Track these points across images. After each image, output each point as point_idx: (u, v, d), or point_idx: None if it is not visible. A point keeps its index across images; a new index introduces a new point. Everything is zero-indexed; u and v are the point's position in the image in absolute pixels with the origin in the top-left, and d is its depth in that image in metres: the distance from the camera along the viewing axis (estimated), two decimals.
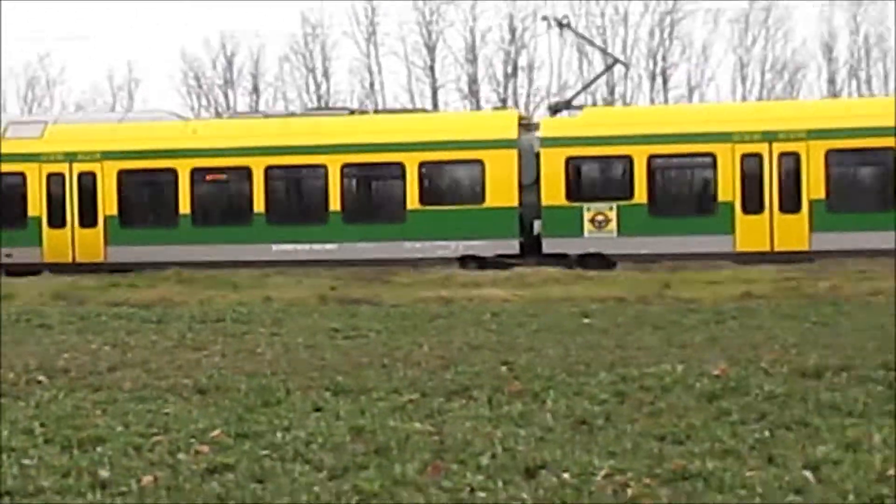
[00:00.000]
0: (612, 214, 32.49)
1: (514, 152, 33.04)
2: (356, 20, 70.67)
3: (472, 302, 24.09)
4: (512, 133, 33.47)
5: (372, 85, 70.02)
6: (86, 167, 34.92)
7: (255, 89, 71.73)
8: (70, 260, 34.82)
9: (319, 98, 69.70)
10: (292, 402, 11.96)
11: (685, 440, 9.74)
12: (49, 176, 35.13)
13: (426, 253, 32.94)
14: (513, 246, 32.88)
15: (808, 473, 8.45)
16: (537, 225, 33.17)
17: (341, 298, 25.17)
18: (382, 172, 34.31)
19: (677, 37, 67.25)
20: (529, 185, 32.96)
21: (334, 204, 33.86)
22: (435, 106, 66.93)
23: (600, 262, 31.86)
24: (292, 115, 38.38)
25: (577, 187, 32.97)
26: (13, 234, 35.03)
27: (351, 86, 72.68)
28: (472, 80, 68.73)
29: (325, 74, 71.24)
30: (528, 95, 66.53)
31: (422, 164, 33.45)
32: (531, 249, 32.87)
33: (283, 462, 9.18)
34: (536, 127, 34.45)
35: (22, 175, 35.20)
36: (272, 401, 11.99)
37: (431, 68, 69.12)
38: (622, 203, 32.51)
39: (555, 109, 36.34)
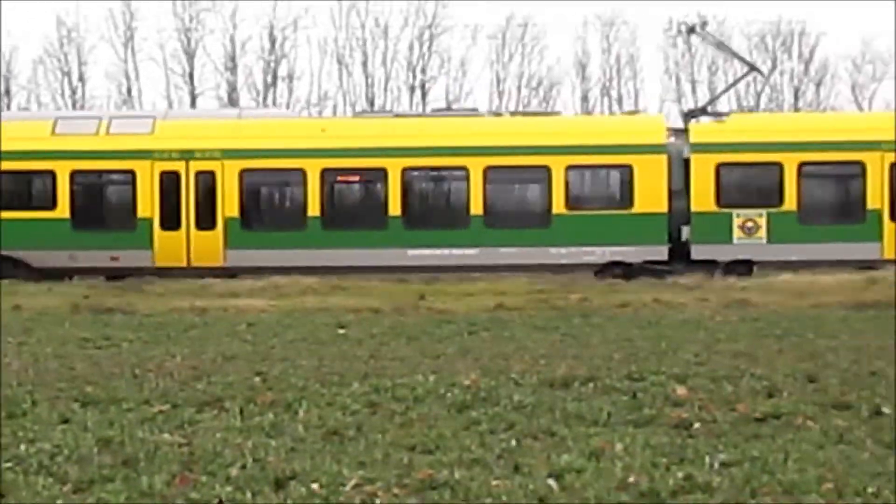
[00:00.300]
0: (762, 221, 32.67)
1: (664, 157, 32.90)
2: (113, 24, 69.30)
3: (227, 312, 23.90)
4: (661, 138, 33.36)
5: (129, 91, 68.86)
6: (204, 165, 33.05)
7: (7, 92, 69.68)
8: (185, 264, 32.92)
9: (75, 103, 68.09)
10: (38, 413, 11.66)
11: (434, 450, 9.85)
12: (162, 174, 33.10)
13: (572, 259, 32.53)
14: (661, 252, 32.70)
15: (552, 482, 8.64)
16: (685, 231, 33.02)
17: (94, 307, 24.67)
18: (526, 176, 33.57)
19: (436, 51, 67.98)
20: (677, 190, 32.88)
21: (475, 207, 33.09)
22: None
23: (745, 268, 32.08)
24: (423, 115, 36.97)
25: (727, 193, 32.90)
26: (119, 237, 33.07)
27: (108, 91, 71.29)
28: (232, 89, 68.24)
29: (81, 78, 69.62)
30: (288, 105, 66.30)
31: (568, 168, 32.95)
32: (678, 256, 32.75)
33: (26, 475, 8.93)
34: (680, 132, 34.14)
35: (130, 173, 33.15)
36: (17, 412, 11.66)
37: (191, 75, 68.37)
38: (772, 210, 32.66)
39: (690, 115, 36.19)
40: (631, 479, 8.64)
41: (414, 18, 67.76)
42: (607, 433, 10.47)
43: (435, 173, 33.66)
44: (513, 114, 38.91)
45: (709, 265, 32.20)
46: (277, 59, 67.98)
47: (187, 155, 33.06)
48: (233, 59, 68.04)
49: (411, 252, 32.61)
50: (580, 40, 71.54)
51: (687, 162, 33.01)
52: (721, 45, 40.52)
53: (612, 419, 11.14)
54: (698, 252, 32.74)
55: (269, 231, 33.51)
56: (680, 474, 8.74)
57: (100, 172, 33.57)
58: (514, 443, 10.09)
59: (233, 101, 66.62)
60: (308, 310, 24.28)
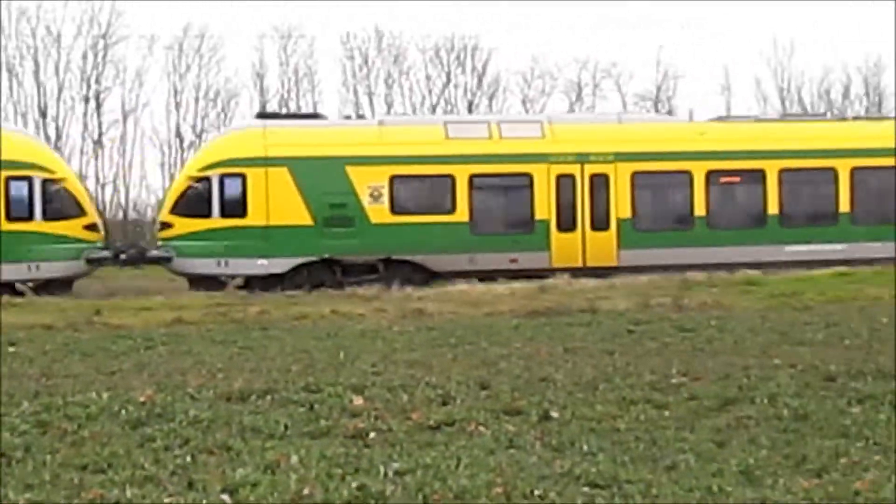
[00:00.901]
0: None
1: None
2: None
3: None
4: None
5: None
6: (598, 168, 34.19)
7: None
8: (580, 264, 33.69)
9: None
10: None
11: (107, 469, 9.67)
12: (558, 177, 33.97)
13: None
14: None
15: (226, 497, 8.62)
16: None
17: None
18: (882, 176, 35.33)
19: (111, 60, 66.49)
20: None
21: (844, 206, 35.16)
22: None
23: None
24: (780, 119, 38.73)
25: None
26: (517, 239, 33.85)
27: None
28: None
29: None
30: None
31: None
32: None
33: None
34: None
35: (527, 176, 33.91)
36: None
37: None
38: None
39: None
40: (305, 491, 8.68)
41: (87, 27, 66.11)
42: (283, 446, 10.49)
43: (805, 174, 35.38)
44: (855, 118, 40.90)
45: None
46: None
47: (582, 158, 34.23)
48: None
49: (788, 248, 34.50)
50: (258, 52, 71.30)
51: None
52: None
53: (288, 431, 11.17)
54: None
55: (658, 231, 34.74)
56: (354, 484, 8.84)
57: (497, 176, 34.18)
58: (188, 458, 10.00)
59: None
60: None
